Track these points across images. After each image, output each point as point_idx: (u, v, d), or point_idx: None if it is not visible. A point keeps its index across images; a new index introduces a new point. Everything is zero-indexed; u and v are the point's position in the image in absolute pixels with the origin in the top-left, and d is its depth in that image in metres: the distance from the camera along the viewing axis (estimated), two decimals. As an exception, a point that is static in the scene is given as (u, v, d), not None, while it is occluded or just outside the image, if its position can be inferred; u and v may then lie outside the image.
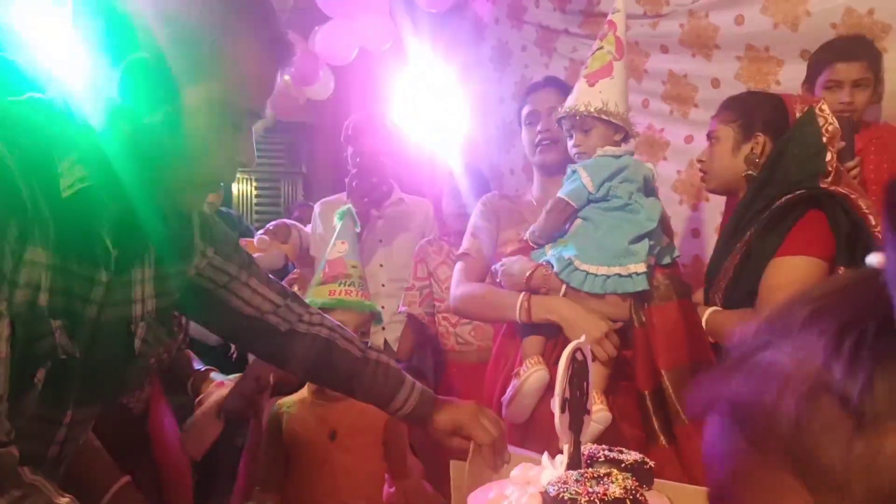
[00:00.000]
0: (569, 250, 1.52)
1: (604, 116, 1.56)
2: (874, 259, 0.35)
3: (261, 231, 2.61)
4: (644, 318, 1.52)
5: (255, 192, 5.46)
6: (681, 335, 1.50)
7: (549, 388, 1.47)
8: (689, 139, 2.17)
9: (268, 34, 0.82)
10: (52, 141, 0.77)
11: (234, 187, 5.23)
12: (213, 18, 0.78)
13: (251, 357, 2.27)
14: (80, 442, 0.91)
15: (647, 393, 1.50)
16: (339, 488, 1.45)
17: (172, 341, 1.63)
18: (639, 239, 1.52)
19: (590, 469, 0.77)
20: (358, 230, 1.82)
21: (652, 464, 0.94)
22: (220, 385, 1.51)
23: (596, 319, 1.47)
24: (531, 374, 1.48)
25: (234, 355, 2.39)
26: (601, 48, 1.60)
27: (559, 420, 0.77)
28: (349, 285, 1.60)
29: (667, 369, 1.49)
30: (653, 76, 2.22)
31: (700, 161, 1.67)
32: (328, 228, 2.40)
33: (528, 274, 1.54)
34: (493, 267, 1.67)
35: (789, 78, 1.90)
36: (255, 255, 2.35)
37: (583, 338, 0.80)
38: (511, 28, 3.00)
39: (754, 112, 1.59)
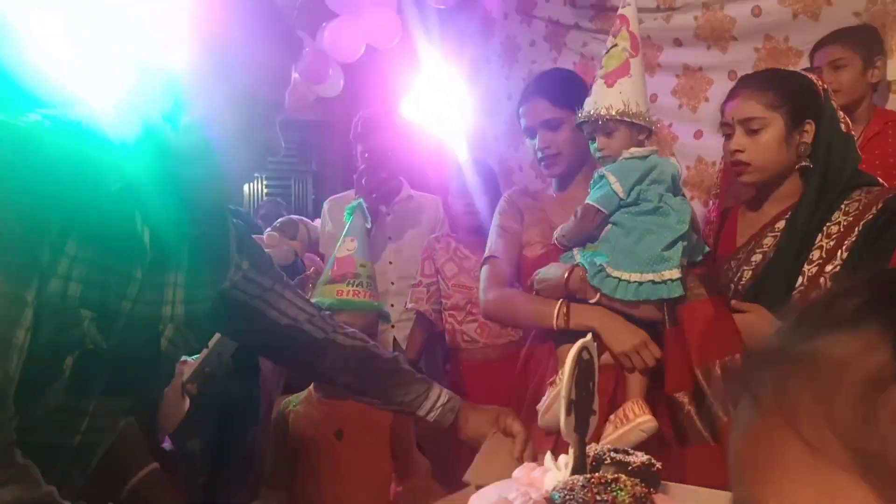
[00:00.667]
0: (600, 256, 1.50)
1: (626, 119, 1.53)
2: None
3: (269, 228, 2.61)
4: (676, 318, 1.49)
5: (265, 191, 5.46)
6: (714, 332, 1.47)
7: None
8: (698, 134, 2.12)
9: (280, 29, 0.90)
10: (98, 140, 0.82)
11: (245, 186, 5.26)
12: (233, 21, 0.85)
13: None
14: (106, 433, 0.93)
15: (685, 393, 1.47)
16: (345, 487, 1.44)
17: None
18: (672, 244, 1.48)
19: (596, 474, 0.74)
20: (369, 226, 1.81)
21: (659, 465, 0.91)
22: (184, 364, 1.53)
23: (634, 329, 1.46)
24: None
25: None
26: (615, 45, 1.55)
27: (565, 422, 0.74)
28: (357, 285, 1.59)
29: (701, 367, 1.46)
30: (666, 70, 2.18)
31: (737, 151, 1.49)
32: (337, 225, 2.38)
33: (565, 276, 1.52)
34: (530, 279, 1.62)
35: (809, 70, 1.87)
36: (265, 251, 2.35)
37: (588, 336, 0.77)
38: (520, 23, 2.97)
39: (802, 96, 1.45)
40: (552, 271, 1.55)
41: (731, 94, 1.55)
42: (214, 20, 0.84)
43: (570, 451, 0.75)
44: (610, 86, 1.54)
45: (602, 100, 1.55)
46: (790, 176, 1.49)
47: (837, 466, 0.31)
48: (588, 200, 1.56)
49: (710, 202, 1.68)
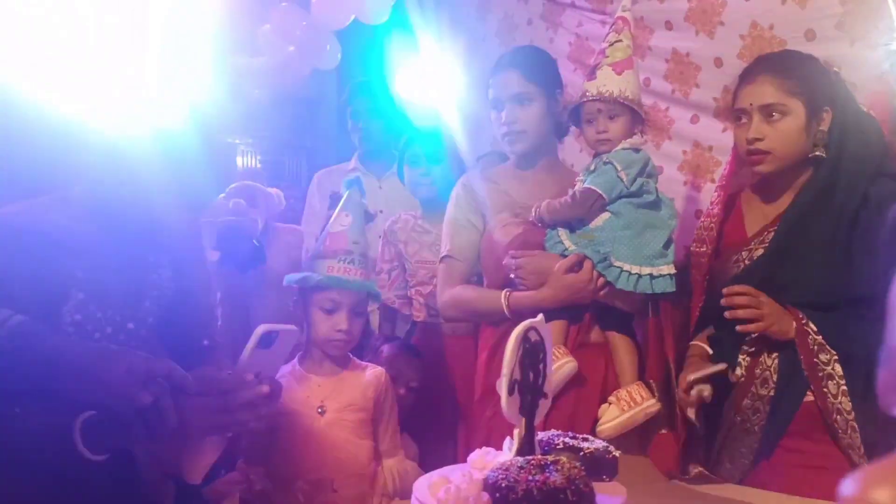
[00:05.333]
0: (601, 245, 1.54)
1: (635, 106, 1.57)
2: None
3: (222, 195, 2.45)
4: (658, 309, 1.56)
5: (258, 166, 5.42)
6: (685, 327, 1.56)
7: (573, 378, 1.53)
8: (694, 119, 2.10)
9: None
10: None
11: (238, 159, 5.21)
12: None
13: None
14: None
15: (654, 383, 1.54)
16: (325, 463, 1.44)
17: None
18: (669, 240, 1.55)
19: (537, 456, 0.73)
20: (365, 202, 1.78)
21: (617, 454, 0.90)
22: None
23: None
24: (563, 364, 1.49)
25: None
26: (620, 41, 1.60)
27: (506, 402, 0.74)
28: (349, 262, 1.56)
29: (672, 358, 1.54)
30: (656, 54, 2.16)
31: (756, 140, 1.40)
32: (325, 199, 2.37)
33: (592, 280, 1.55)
34: (504, 262, 1.63)
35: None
36: (233, 220, 2.27)
37: (539, 317, 0.76)
38: (517, 1, 2.93)
39: (820, 80, 1.40)
40: (546, 263, 1.56)
41: (747, 78, 1.47)
42: None
43: (516, 433, 0.74)
44: (619, 73, 1.58)
45: (611, 84, 1.57)
46: (804, 164, 1.45)
47: None
48: (589, 185, 1.57)
49: (715, 193, 1.65)
